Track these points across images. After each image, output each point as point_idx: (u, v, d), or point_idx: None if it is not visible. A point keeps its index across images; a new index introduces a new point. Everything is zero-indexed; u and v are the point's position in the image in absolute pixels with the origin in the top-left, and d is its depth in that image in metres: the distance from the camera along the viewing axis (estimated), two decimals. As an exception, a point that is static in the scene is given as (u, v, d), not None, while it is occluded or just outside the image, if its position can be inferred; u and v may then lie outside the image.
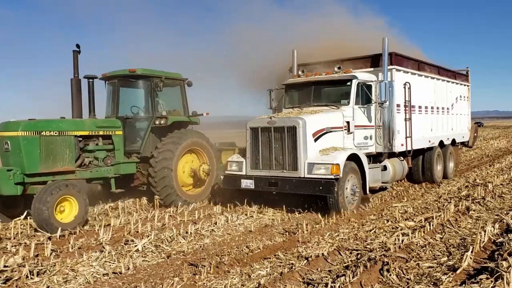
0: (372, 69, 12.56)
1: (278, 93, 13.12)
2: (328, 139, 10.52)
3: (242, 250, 7.53)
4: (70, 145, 10.38)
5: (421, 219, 9.22)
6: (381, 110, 11.99)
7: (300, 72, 12.59)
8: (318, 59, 13.55)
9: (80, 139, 10.81)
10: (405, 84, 12.95)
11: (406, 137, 12.92)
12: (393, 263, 6.30)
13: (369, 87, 11.60)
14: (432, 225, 8.59)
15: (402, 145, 12.74)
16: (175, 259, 7.16)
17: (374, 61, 12.61)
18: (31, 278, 6.29)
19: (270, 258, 7.01)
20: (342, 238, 8.04)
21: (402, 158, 13.35)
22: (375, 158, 12.24)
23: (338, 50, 13.88)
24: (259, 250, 7.43)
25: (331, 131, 10.61)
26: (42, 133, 9.88)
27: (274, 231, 8.89)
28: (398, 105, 12.62)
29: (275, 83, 13.29)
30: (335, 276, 6.02)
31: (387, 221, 9.30)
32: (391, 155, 12.67)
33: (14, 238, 8.59)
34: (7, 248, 7.85)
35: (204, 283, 5.97)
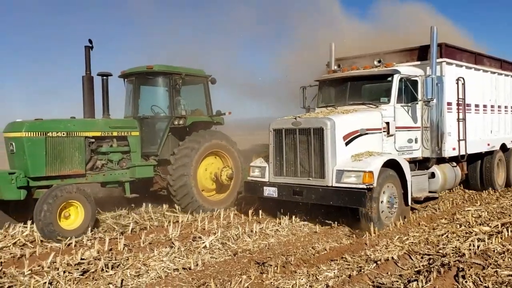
0: (418, 62, 11.14)
1: (313, 91, 11.94)
2: (362, 143, 9.26)
3: (308, 251, 7.60)
4: (79, 146, 9.74)
5: (497, 224, 8.88)
6: (429, 109, 10.54)
7: (335, 67, 11.34)
8: (358, 53, 12.26)
9: (92, 140, 10.16)
10: (458, 80, 11.43)
11: (459, 140, 11.40)
12: (468, 270, 6.11)
13: (414, 83, 10.19)
14: (510, 231, 8.23)
15: (454, 149, 11.24)
16: (242, 257, 7.27)
17: (421, 53, 11.18)
18: (106, 271, 6.58)
19: (337, 260, 6.99)
20: (412, 242, 7.85)
21: (455, 164, 11.80)
22: (421, 164, 10.82)
23: (381, 43, 12.52)
24: (325, 252, 7.48)
25: (366, 134, 9.34)
26: (48, 134, 9.29)
27: (340, 233, 8.86)
28: (449, 104, 11.13)
29: (310, 81, 12.09)
30: (406, 281, 5.93)
31: (460, 225, 9.04)
32: (441, 160, 11.17)
33: (90, 232, 8.84)
34: (83, 241, 8.35)
35: (271, 282, 6.03)
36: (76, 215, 8.89)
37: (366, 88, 10.52)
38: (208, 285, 5.97)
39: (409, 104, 10.23)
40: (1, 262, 7.15)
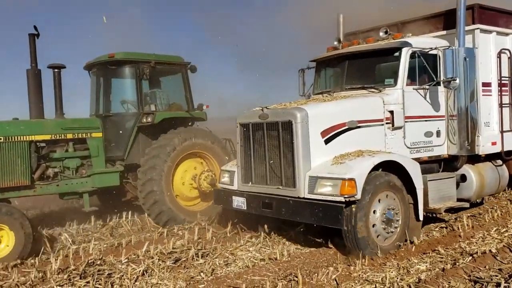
0: (444, 32, 8.78)
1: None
2: (352, 139, 7.20)
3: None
4: (22, 153, 8.47)
5: None
6: (455, 92, 8.18)
7: (335, 43, 9.20)
8: (374, 25, 10.03)
9: (42, 145, 8.88)
10: (501, 52, 8.92)
11: (502, 132, 8.89)
12: None
13: (432, 58, 7.86)
14: None
15: (494, 143, 8.80)
16: (328, 249, 7.19)
17: (448, 20, 8.80)
18: (196, 259, 6.92)
19: (429, 253, 6.81)
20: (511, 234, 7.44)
21: (500, 162, 9.27)
22: (449, 163, 8.50)
23: (402, 12, 10.18)
24: (416, 244, 7.17)
25: (358, 127, 7.26)
26: (-21, 140, 8.09)
27: (431, 225, 8.50)
28: (486, 84, 8.72)
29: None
30: (507, 276, 5.68)
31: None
32: (476, 158, 8.75)
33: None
34: (174, 231, 8.85)
35: (359, 275, 5.98)
36: (5, 240, 7.57)
37: (366, 67, 8.34)
38: (294, 275, 5.94)
39: (426, 87, 7.94)
40: (101, 251, 7.79)
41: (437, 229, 8.22)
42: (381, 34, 8.37)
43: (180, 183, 9.62)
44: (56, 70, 9.29)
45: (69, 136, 9.08)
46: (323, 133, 6.96)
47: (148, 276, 6.31)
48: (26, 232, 7.62)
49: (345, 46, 8.83)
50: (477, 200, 9.57)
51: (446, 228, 8.20)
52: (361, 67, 8.40)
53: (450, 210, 8.42)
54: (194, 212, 9.66)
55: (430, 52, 7.85)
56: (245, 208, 7.68)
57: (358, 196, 6.38)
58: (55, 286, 6.03)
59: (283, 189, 7.09)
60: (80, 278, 6.23)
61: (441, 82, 7.79)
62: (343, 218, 6.26)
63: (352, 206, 6.44)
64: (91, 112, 10.09)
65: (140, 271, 6.38)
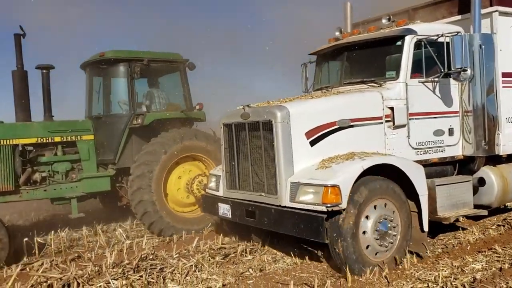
0: (459, 17, 7.84)
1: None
2: (344, 140, 6.45)
3: (450, 241, 7.37)
4: (6, 157, 8.21)
5: None
6: (470, 85, 7.25)
7: (337, 33, 8.39)
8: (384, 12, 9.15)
9: (29, 148, 8.59)
10: (525, 38, 7.87)
11: (529, 129, 7.85)
12: None
13: (441, 47, 6.96)
14: None
15: (518, 142, 7.75)
16: None
17: (463, 3, 7.84)
18: (245, 255, 7.05)
19: (485, 251, 6.68)
20: None
21: (529, 163, 8.22)
22: (465, 165, 7.57)
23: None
24: (471, 243, 7.14)
25: (351, 126, 6.50)
26: (-39, 144, 7.86)
27: (487, 222, 8.36)
28: (507, 75, 7.71)
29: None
30: None
31: None
32: (498, 159, 7.77)
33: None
34: (223, 227, 8.54)
35: (411, 273, 5.93)
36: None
37: (368, 59, 7.53)
38: (344, 273, 5.77)
39: (435, 79, 7.06)
40: (154, 246, 8.02)
41: (494, 226, 8.02)
42: (383, 21, 7.54)
43: (175, 188, 9.08)
44: (44, 71, 8.97)
45: (57, 139, 8.75)
46: (309, 134, 6.24)
47: (198, 271, 6.48)
48: (2, 241, 7.30)
49: (345, 36, 8.03)
50: (501, 206, 8.57)
51: (504, 226, 7.99)
52: (360, 59, 7.61)
53: (474, 217, 8.05)
54: (190, 219, 9.10)
55: (438, 40, 6.96)
56: (230, 216, 7.06)
57: (344, 205, 5.63)
58: (110, 280, 6.18)
59: (265, 196, 6.43)
60: (134, 272, 6.49)
61: (450, 73, 6.86)
62: (324, 230, 5.52)
63: (337, 216, 5.70)
64: (85, 114, 9.73)
65: (190, 266, 6.58)
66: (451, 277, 5.68)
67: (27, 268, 7.05)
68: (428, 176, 7.08)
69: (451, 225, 7.70)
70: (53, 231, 8.80)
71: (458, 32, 6.68)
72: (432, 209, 6.85)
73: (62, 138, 8.78)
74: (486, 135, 7.23)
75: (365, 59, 7.53)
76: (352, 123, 6.50)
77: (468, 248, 6.84)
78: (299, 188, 5.91)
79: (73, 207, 8.71)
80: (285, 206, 6.06)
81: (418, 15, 8.42)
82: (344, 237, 5.68)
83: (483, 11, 7.34)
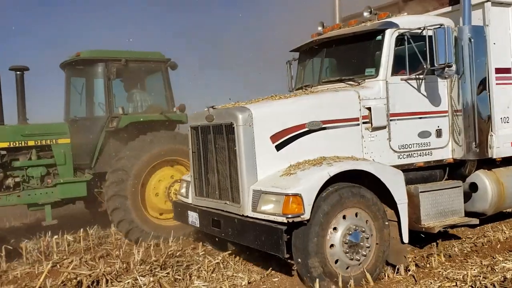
0: (450, 8, 7.29)
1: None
2: (316, 143, 5.99)
3: (479, 240, 7.29)
4: (-26, 162, 7.97)
5: None
6: (459, 82, 6.71)
7: (319, 28, 7.91)
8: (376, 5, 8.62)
9: (3, 152, 8.39)
10: (523, 30, 7.27)
11: (528, 129, 7.25)
12: None
13: (426, 41, 6.43)
14: None
15: (514, 144, 7.17)
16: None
17: (454, -6, 7.29)
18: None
19: None
20: None
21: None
22: (456, 169, 7.03)
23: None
24: (501, 241, 7.05)
25: (323, 129, 6.02)
26: None
27: None
28: (502, 70, 7.12)
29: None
30: None
31: None
32: (492, 163, 7.19)
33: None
34: None
35: (439, 271, 5.87)
36: None
37: (347, 56, 7.05)
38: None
39: (420, 77, 6.53)
40: (180, 243, 8.15)
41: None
42: (365, 14, 7.03)
43: (154, 194, 8.72)
44: (18, 72, 8.73)
45: (31, 143, 8.52)
46: (274, 138, 5.79)
47: (224, 268, 6.54)
48: None
49: (326, 31, 7.55)
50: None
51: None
52: (340, 55, 7.17)
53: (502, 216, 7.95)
54: (170, 226, 8.72)
55: (423, 34, 6.43)
56: (198, 225, 6.67)
57: (307, 216, 5.18)
58: (137, 276, 6.26)
59: (229, 205, 6.01)
60: (161, 269, 6.62)
61: (434, 70, 6.32)
62: (283, 244, 5.06)
63: (300, 228, 5.25)
64: (64, 116, 9.47)
65: (216, 263, 6.65)
66: (480, 276, 5.56)
67: (58, 265, 7.33)
68: (413, 181, 6.64)
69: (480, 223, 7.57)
70: (81, 229, 8.87)
71: (441, 25, 6.12)
72: (416, 218, 6.36)
73: (36, 142, 8.55)
74: (476, 137, 6.67)
75: (345, 56, 7.07)
76: (324, 126, 6.03)
77: (498, 247, 6.73)
78: (260, 196, 5.48)
79: (47, 213, 8.47)
80: (247, 216, 5.63)
81: (408, 7, 7.89)
82: (308, 251, 5.23)
83: (474, 1, 6.81)
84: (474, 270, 5.78)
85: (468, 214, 7.02)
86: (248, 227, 5.57)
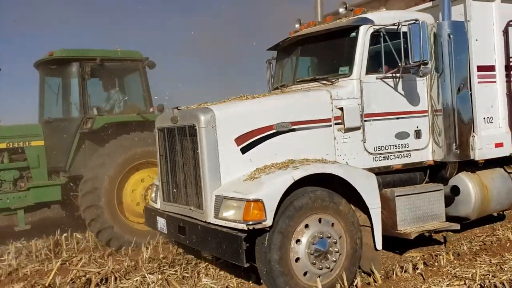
0: (430, 3, 7.02)
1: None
2: (285, 145, 5.74)
3: (488, 238, 7.30)
4: None
5: None
6: (439, 80, 6.45)
7: (296, 25, 7.65)
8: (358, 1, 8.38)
9: (-27, 155, 8.18)
10: (508, 26, 6.99)
11: (513, 129, 6.99)
12: None
13: (403, 37, 6.16)
14: None
15: (499, 145, 6.91)
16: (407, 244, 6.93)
17: (436, -11, 7.02)
18: None
19: None
20: None
21: (514, 169, 7.35)
22: (436, 172, 6.77)
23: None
24: (511, 239, 7.02)
25: (293, 130, 5.78)
26: None
27: None
28: (484, 68, 6.85)
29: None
30: None
31: None
32: (476, 165, 6.92)
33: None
34: None
35: (447, 270, 5.88)
36: None
37: (321, 54, 6.82)
38: (371, 271, 5.79)
39: (397, 75, 6.28)
40: None
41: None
42: (340, 10, 6.77)
43: (130, 198, 8.49)
44: (-14, 73, 8.56)
45: (3, 145, 8.36)
46: (239, 140, 5.55)
47: (232, 266, 6.33)
48: None
49: (303, 28, 7.29)
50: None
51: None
52: (314, 54, 6.95)
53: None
54: (144, 232, 8.47)
55: (400, 31, 6.15)
56: (166, 232, 6.44)
57: (269, 222, 4.94)
58: (146, 274, 6.35)
59: (194, 210, 5.77)
60: (169, 267, 6.71)
61: (409, 68, 6.05)
62: (243, 252, 4.83)
63: (263, 236, 5.03)
64: (38, 117, 9.28)
65: (224, 260, 6.39)
66: (489, 275, 5.55)
67: (67, 263, 7.47)
68: (391, 185, 6.40)
69: (488, 221, 7.94)
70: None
71: (416, 20, 5.86)
72: (392, 223, 6.13)
73: (8, 145, 8.38)
74: (457, 138, 6.40)
75: (319, 54, 6.86)
76: (293, 127, 5.78)
77: (507, 245, 6.74)
78: (222, 202, 5.25)
79: (19, 218, 8.31)
80: (209, 223, 5.40)
81: (390, 3, 7.65)
82: (271, 260, 5.00)
83: (454, -5, 6.53)
84: (483, 268, 5.79)
85: (451, 218, 6.79)
86: (210, 234, 5.34)
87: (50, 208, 9.48)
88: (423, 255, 6.71)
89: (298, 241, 5.20)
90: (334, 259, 5.38)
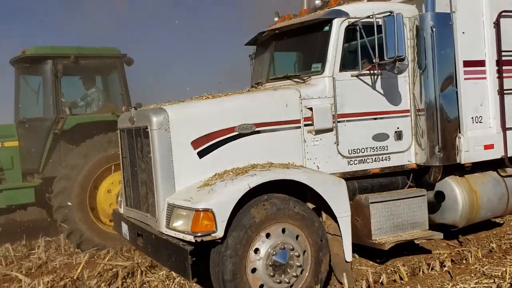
0: (417, -6, 6.57)
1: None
2: (248, 149, 5.38)
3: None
4: None
5: None
6: (422, 77, 6.02)
7: (275, 19, 7.25)
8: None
9: None
10: (499, 17, 6.51)
11: (505, 130, 6.52)
12: None
13: (378, 31, 5.73)
14: None
15: (489, 147, 6.45)
16: (436, 242, 6.97)
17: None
18: None
19: None
20: None
21: (510, 171, 6.87)
22: (420, 176, 6.34)
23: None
24: None
25: (257, 132, 5.41)
26: None
27: None
28: (472, 64, 6.38)
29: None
30: None
31: None
32: (464, 169, 6.47)
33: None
34: None
35: (476, 268, 5.85)
36: None
37: (295, 50, 6.43)
38: (396, 267, 5.94)
39: (376, 72, 5.86)
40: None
41: None
42: (316, 2, 6.39)
43: (105, 201, 8.23)
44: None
45: (-25, 146, 8.12)
46: (196, 143, 5.20)
47: None
48: None
49: (280, 21, 6.90)
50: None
51: None
52: (288, 49, 6.57)
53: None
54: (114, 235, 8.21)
55: (377, 24, 5.73)
56: (129, 238, 6.14)
57: (219, 234, 4.60)
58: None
59: (150, 218, 5.46)
60: None
61: (384, 64, 5.63)
62: (188, 267, 4.49)
63: (215, 249, 4.70)
64: (14, 117, 9.06)
65: None
66: None
67: (95, 257, 7.67)
68: (368, 190, 6.01)
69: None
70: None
71: (390, 12, 5.43)
72: (367, 232, 5.75)
73: (-20, 145, 8.14)
74: (440, 139, 5.97)
75: (293, 50, 6.47)
76: (257, 129, 5.41)
77: None
78: (173, 211, 4.92)
79: (-6, 222, 8.09)
80: (162, 233, 5.08)
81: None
82: (223, 275, 4.66)
83: (437, -16, 6.06)
84: (514, 267, 5.65)
85: (437, 226, 6.37)
86: (162, 245, 5.02)
87: (26, 211, 9.23)
88: (450, 253, 6.65)
89: (257, 250, 4.84)
90: (295, 274, 5.01)
